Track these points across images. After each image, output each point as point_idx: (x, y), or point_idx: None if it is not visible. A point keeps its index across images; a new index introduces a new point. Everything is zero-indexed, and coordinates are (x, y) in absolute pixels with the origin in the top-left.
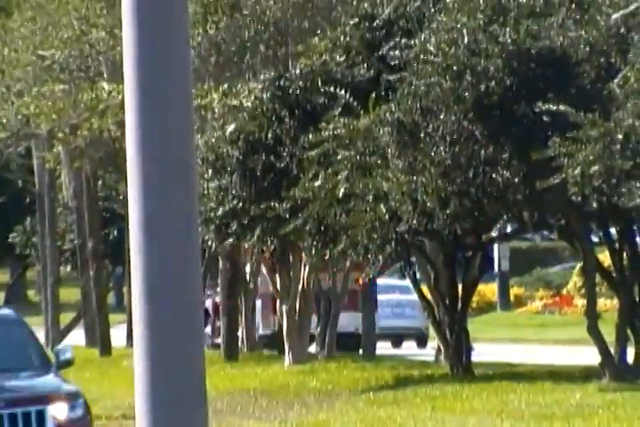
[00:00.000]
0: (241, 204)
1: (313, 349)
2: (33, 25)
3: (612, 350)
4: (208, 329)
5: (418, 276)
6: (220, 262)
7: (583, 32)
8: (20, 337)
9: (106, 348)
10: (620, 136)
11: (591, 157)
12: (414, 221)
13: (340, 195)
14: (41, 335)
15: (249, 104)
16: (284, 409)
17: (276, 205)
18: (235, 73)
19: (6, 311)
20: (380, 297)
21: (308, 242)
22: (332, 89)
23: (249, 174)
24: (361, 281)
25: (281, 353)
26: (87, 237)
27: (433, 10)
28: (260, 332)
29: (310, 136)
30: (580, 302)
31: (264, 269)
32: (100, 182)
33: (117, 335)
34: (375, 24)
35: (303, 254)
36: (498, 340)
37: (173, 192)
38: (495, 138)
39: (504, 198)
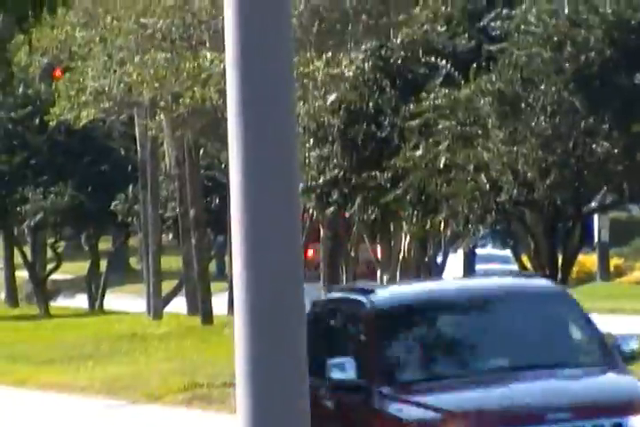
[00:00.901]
0: (342, 173)
1: None
2: None
3: None
4: None
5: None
6: (322, 231)
7: None
8: (571, 319)
9: (207, 316)
10: None
11: None
12: (514, 192)
13: (441, 165)
14: (142, 303)
15: (350, 73)
16: None
17: (377, 174)
18: (336, 42)
19: (546, 283)
20: (480, 266)
21: (409, 211)
22: (433, 59)
23: (350, 144)
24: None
25: None
26: (189, 205)
27: None
28: None
29: (411, 106)
30: None
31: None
32: (201, 151)
33: (219, 303)
34: None
35: (404, 223)
36: (597, 310)
37: (274, 161)
38: (595, 109)
39: (604, 169)
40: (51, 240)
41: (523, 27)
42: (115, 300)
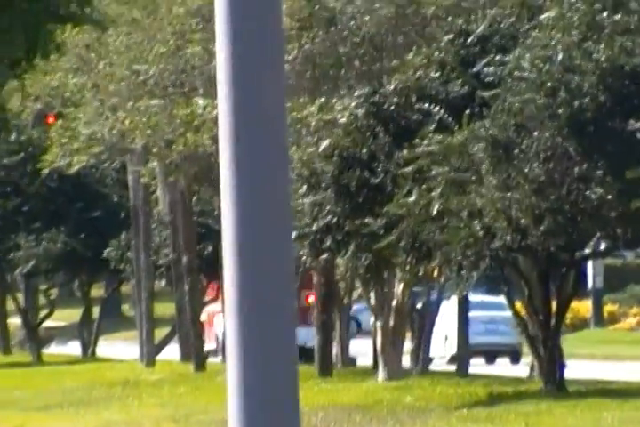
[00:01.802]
0: (335, 219)
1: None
2: (128, 40)
3: None
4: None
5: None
6: (315, 277)
7: None
8: None
9: (200, 363)
10: None
11: None
12: (508, 238)
13: (435, 211)
14: (135, 350)
15: (344, 119)
16: (378, 425)
17: (371, 220)
18: (330, 88)
19: None
20: (474, 313)
21: (403, 258)
22: (426, 105)
23: (343, 190)
24: (311, 299)
25: (375, 368)
26: (182, 251)
27: (527, 26)
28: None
29: (405, 152)
30: None
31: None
32: (194, 197)
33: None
34: (469, 40)
35: (397, 270)
36: (591, 357)
37: (267, 208)
38: (589, 155)
39: (598, 216)
40: (43, 287)
41: (516, 73)
42: (107, 346)
